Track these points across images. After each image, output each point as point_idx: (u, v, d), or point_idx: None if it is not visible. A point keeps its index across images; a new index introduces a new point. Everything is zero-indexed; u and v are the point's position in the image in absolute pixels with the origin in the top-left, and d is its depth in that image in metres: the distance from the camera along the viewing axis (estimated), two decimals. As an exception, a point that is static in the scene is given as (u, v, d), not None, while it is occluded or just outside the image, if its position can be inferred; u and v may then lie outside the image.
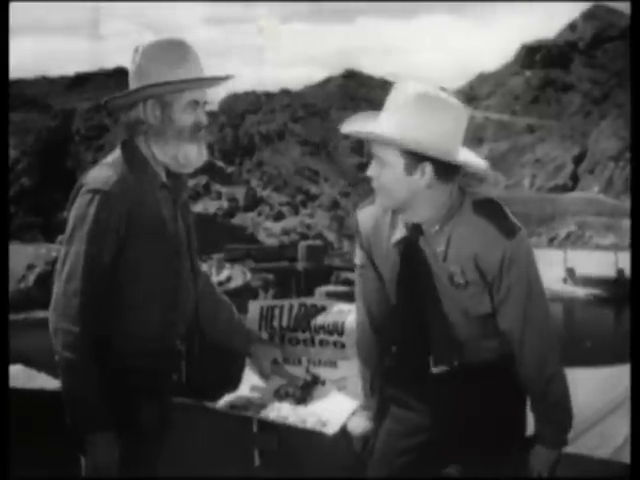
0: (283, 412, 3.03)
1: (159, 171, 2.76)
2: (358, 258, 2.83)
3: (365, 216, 2.77)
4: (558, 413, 2.67)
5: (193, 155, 2.75)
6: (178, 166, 2.76)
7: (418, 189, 2.52)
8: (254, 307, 3.24)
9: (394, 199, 2.56)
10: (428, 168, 2.50)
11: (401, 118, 2.49)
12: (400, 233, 2.64)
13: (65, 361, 2.55)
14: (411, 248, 2.61)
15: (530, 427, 2.75)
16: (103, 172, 2.68)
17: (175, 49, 2.75)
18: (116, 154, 2.75)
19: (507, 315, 2.59)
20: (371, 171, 2.58)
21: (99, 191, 2.61)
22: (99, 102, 2.95)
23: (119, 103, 2.79)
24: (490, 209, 2.58)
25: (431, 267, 2.59)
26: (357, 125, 2.60)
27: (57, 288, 2.61)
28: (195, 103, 2.74)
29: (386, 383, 2.82)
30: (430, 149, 2.47)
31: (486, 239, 2.53)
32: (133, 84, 2.75)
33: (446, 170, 2.52)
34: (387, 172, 2.53)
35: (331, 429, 2.91)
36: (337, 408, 2.98)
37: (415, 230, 2.60)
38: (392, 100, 2.55)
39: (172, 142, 2.73)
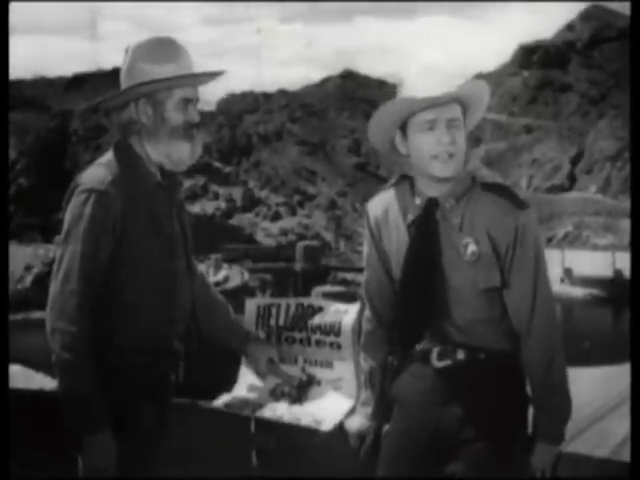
0: (278, 411, 3.04)
1: (153, 170, 2.77)
2: (365, 248, 2.88)
3: (375, 204, 2.83)
4: (559, 400, 2.68)
5: (186, 153, 2.76)
6: (172, 164, 2.76)
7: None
8: (251, 305, 3.25)
9: (461, 162, 2.67)
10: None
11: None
12: (415, 212, 2.70)
13: (62, 361, 2.55)
14: (427, 222, 2.67)
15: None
16: (97, 172, 2.69)
17: (164, 47, 2.76)
18: (110, 154, 2.76)
19: (519, 285, 2.64)
20: (450, 136, 2.63)
21: (94, 190, 2.62)
22: (103, 107, 2.96)
23: (112, 104, 2.79)
24: (499, 188, 2.68)
25: (443, 240, 2.65)
26: (466, 85, 2.69)
27: (54, 288, 2.61)
28: (187, 101, 2.74)
29: (389, 381, 2.83)
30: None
31: (499, 211, 2.63)
32: (124, 84, 2.76)
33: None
34: (460, 132, 2.66)
35: (325, 427, 2.92)
36: (332, 408, 2.99)
37: (431, 203, 2.68)
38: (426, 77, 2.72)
39: (165, 141, 2.73)
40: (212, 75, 2.83)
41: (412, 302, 2.69)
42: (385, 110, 2.67)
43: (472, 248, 2.63)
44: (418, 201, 2.70)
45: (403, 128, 2.68)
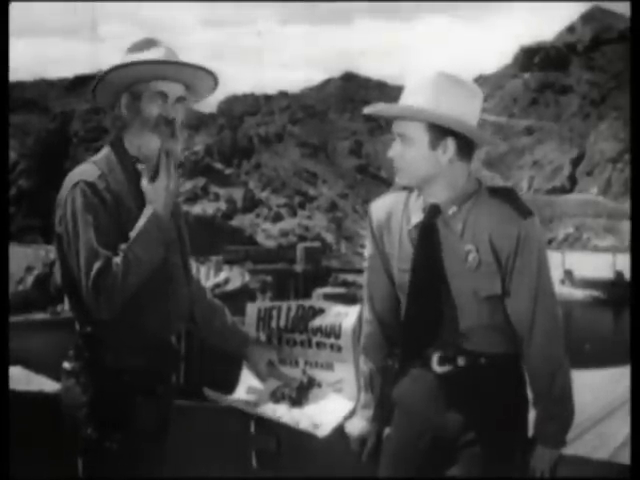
0: (278, 413, 3.04)
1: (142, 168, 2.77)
2: (367, 249, 2.86)
3: (378, 207, 2.81)
4: (561, 408, 2.67)
5: (154, 146, 2.74)
6: (143, 157, 2.76)
7: (440, 165, 2.60)
8: (252, 309, 3.24)
9: (416, 177, 2.62)
10: (451, 143, 2.58)
11: (425, 96, 2.58)
12: (418, 217, 2.68)
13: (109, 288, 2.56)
14: (428, 230, 2.65)
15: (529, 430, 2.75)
16: (86, 168, 2.72)
17: (149, 41, 2.79)
18: (102, 153, 2.79)
19: (519, 296, 2.61)
20: (393, 151, 2.64)
21: (84, 182, 2.64)
22: (97, 104, 2.96)
23: (101, 95, 2.83)
24: (505, 193, 2.66)
25: (446, 247, 2.63)
26: (382, 106, 2.67)
27: (83, 282, 2.58)
28: (163, 95, 2.74)
29: (389, 385, 2.82)
30: (456, 123, 2.57)
31: (502, 218, 2.59)
32: None
33: (465, 147, 2.62)
34: (411, 149, 2.60)
35: (323, 431, 2.91)
36: (332, 410, 2.98)
37: (433, 210, 2.65)
38: (412, 82, 2.63)
39: (137, 132, 2.76)
40: (187, 66, 2.77)
41: (419, 309, 2.67)
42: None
43: (473, 255, 2.60)
44: (422, 205, 2.68)
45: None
